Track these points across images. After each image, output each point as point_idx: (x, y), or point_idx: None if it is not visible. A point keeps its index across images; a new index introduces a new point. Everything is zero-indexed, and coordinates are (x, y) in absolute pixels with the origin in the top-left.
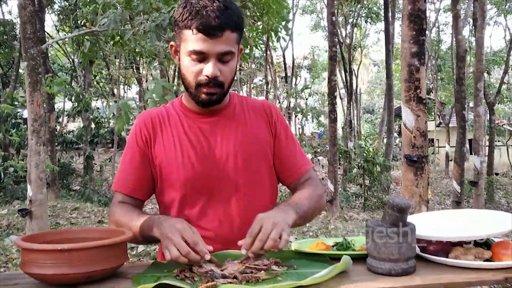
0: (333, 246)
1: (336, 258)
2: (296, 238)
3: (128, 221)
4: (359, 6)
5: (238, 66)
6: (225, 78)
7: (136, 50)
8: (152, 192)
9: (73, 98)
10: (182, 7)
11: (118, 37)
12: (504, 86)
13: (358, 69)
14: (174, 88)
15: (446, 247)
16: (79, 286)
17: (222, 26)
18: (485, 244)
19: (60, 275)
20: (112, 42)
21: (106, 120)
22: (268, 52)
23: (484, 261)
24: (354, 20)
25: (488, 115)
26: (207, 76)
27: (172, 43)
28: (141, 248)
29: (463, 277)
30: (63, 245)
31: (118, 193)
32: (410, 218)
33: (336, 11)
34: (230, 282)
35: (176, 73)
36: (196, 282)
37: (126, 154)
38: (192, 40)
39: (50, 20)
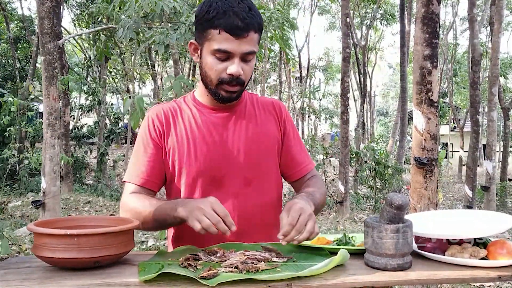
0: (333, 241)
1: (335, 253)
2: None
3: (145, 206)
4: (375, 7)
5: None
6: (246, 76)
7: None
8: (163, 184)
9: (87, 91)
10: (206, 6)
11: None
12: None
13: (373, 71)
14: (191, 84)
15: (443, 245)
16: (87, 271)
17: (248, 27)
18: (483, 243)
19: (69, 259)
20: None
21: (119, 116)
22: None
23: (479, 259)
24: (369, 22)
25: (503, 120)
26: (231, 75)
27: (192, 41)
28: (151, 242)
29: (457, 274)
30: (72, 230)
31: (130, 185)
32: (410, 216)
33: (352, 13)
34: (231, 271)
35: (191, 71)
36: (199, 270)
37: (138, 146)
38: (217, 39)
39: (67, 16)
